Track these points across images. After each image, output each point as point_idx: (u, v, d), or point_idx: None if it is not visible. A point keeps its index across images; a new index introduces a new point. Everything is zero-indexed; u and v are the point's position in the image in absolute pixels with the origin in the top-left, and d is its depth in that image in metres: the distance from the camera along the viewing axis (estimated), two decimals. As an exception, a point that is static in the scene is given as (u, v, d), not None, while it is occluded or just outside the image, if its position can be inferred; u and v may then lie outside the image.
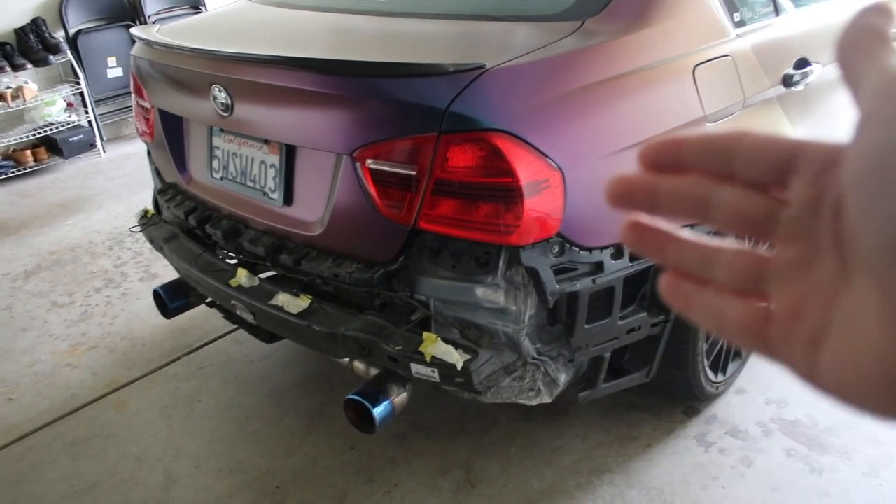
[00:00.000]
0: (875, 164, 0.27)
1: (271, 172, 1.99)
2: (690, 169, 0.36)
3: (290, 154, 1.94)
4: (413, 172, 1.64)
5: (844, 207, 0.30)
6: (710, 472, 2.20)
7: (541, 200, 1.60)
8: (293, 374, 2.75)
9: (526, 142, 1.58)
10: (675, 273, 0.38)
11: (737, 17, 2.14)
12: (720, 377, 2.42)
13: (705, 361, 2.29)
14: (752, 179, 0.34)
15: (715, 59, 1.99)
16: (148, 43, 2.24)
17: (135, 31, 2.31)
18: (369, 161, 1.70)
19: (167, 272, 3.52)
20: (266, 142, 1.98)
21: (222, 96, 1.95)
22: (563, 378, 1.88)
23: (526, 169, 1.58)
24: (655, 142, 0.37)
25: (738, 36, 2.10)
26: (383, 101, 1.68)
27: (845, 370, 0.30)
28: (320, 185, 1.87)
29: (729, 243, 0.36)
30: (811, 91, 2.39)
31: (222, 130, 2.12)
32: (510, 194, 1.58)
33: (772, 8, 2.34)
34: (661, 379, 2.20)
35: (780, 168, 0.33)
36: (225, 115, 1.97)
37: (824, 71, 2.44)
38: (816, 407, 2.41)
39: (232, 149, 2.11)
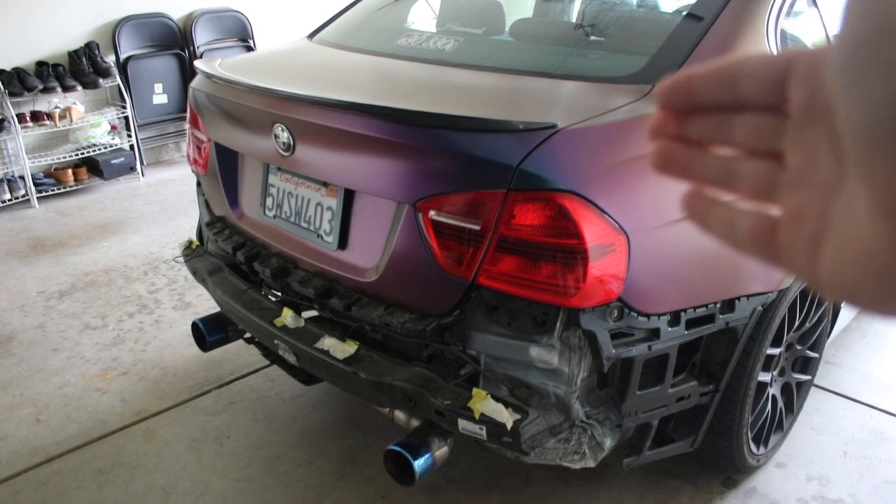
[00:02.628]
0: (852, 48, 0.27)
1: (328, 215, 1.99)
2: (704, 103, 0.38)
3: (348, 198, 1.93)
4: (477, 227, 1.63)
5: (833, 103, 0.29)
6: (750, 549, 2.13)
7: (605, 264, 1.59)
8: (325, 416, 2.72)
9: (594, 204, 1.57)
10: (696, 188, 0.40)
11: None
12: (762, 449, 2.36)
13: (749, 433, 2.24)
14: (759, 102, 0.35)
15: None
16: (209, 76, 2.26)
17: (198, 64, 2.33)
18: (432, 212, 1.69)
19: (201, 301, 3.53)
20: (325, 184, 1.98)
21: (284, 136, 1.95)
22: (608, 442, 1.83)
23: (593, 232, 1.56)
24: (668, 81, 0.39)
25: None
26: (451, 153, 1.68)
27: (842, 268, 0.30)
28: (378, 232, 1.86)
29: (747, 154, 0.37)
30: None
31: (279, 169, 2.12)
32: (575, 256, 1.56)
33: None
34: (704, 448, 2.16)
35: (781, 82, 0.34)
36: (285, 154, 1.98)
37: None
38: (860, 486, 2.34)
39: (288, 188, 2.11)
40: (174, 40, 5.67)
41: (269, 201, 2.19)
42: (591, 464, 1.83)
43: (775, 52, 0.35)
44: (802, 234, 0.33)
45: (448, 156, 1.69)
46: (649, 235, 1.67)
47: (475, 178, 1.64)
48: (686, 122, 0.39)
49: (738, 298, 1.88)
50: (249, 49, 5.89)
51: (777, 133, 0.35)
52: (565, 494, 2.32)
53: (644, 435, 1.94)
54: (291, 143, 1.95)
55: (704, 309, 1.82)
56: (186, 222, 4.62)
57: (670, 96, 0.39)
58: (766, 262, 0.36)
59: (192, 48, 5.71)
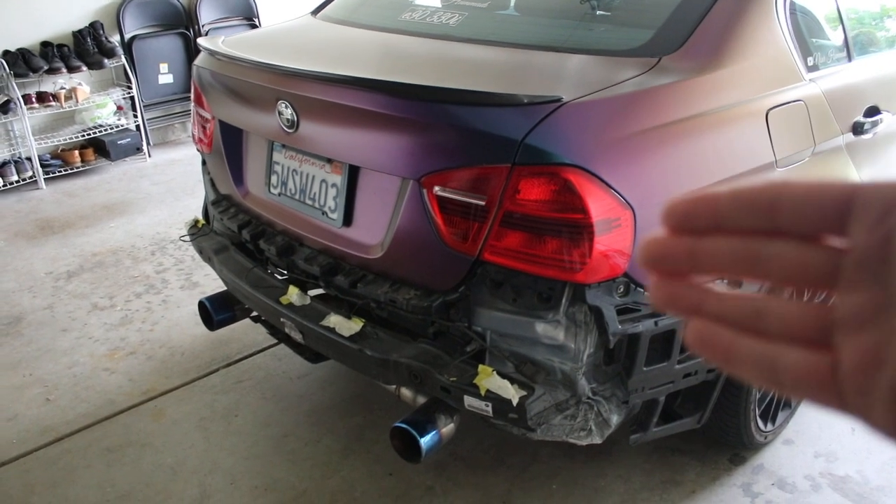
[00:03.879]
0: None
1: (332, 192, 1.97)
2: (730, 228, 0.34)
3: (353, 175, 1.92)
4: (482, 203, 1.62)
5: None
6: (757, 524, 2.13)
7: (611, 239, 1.57)
8: (332, 394, 2.73)
9: (599, 178, 1.55)
10: (709, 321, 0.35)
11: (810, 61, 2.10)
12: (769, 426, 2.35)
13: (757, 409, 2.23)
14: (800, 231, 0.33)
15: (788, 103, 1.95)
16: (213, 53, 2.24)
17: (202, 41, 2.31)
18: (437, 188, 1.68)
19: (208, 281, 3.53)
20: (329, 161, 1.97)
21: (288, 112, 1.94)
22: (615, 419, 1.83)
23: (598, 206, 1.54)
24: (684, 200, 0.34)
25: (811, 81, 2.06)
26: (456, 128, 1.66)
27: None
28: (382, 209, 1.85)
29: (776, 293, 0.34)
30: (879, 140, 2.34)
31: (284, 146, 2.11)
32: (581, 231, 1.55)
33: (845, 53, 2.30)
34: (711, 425, 2.15)
35: (834, 215, 0.32)
36: (289, 131, 1.97)
37: (893, 120, 2.39)
38: (867, 464, 2.33)
39: (292, 165, 2.10)
40: (179, 19, 5.63)
41: (273, 179, 2.18)
42: (597, 440, 1.82)
43: (822, 178, 0.32)
44: (881, 383, 0.30)
45: (452, 130, 1.67)
46: (655, 210, 1.65)
47: (480, 153, 1.62)
48: (701, 245, 0.35)
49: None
50: (254, 27, 5.85)
51: (825, 268, 0.32)
52: (572, 471, 2.32)
53: (651, 411, 1.93)
54: (295, 119, 1.94)
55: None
56: (193, 202, 4.61)
57: (686, 216, 0.35)
58: (824, 407, 0.33)
59: (197, 27, 5.67)
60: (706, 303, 0.35)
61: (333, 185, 1.97)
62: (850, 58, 2.31)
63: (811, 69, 2.09)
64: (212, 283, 3.49)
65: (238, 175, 2.33)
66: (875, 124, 2.28)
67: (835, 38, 2.32)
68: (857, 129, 2.22)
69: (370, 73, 1.88)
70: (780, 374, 0.33)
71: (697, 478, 2.30)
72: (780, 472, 2.32)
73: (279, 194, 2.16)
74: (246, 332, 3.06)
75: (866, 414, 0.31)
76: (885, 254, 0.30)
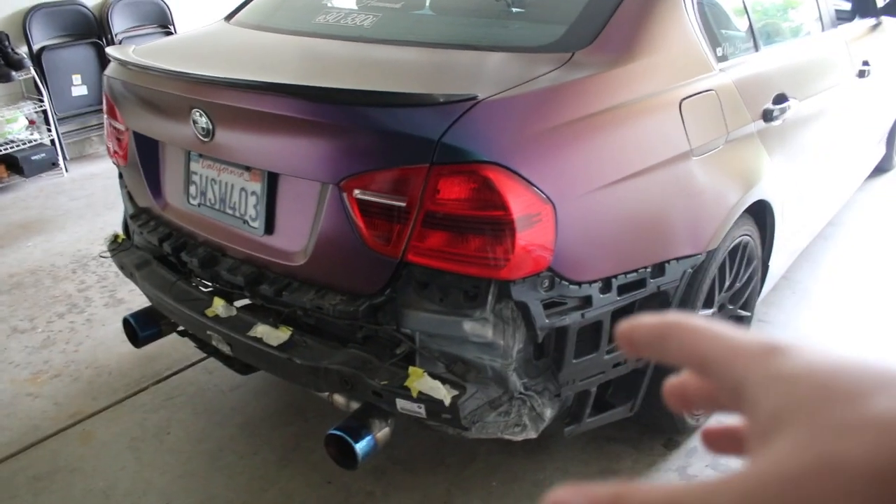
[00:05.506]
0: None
1: (252, 200, 1.94)
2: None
3: (272, 182, 1.89)
4: (402, 204, 1.61)
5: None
6: (692, 506, 2.18)
7: (532, 234, 1.58)
8: (266, 405, 2.68)
9: (518, 174, 1.56)
10: None
11: (719, 51, 2.16)
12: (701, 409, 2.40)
13: (686, 394, 2.28)
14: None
15: (700, 93, 2.00)
16: (123, 63, 2.18)
17: (110, 50, 2.24)
18: (357, 191, 1.66)
19: (133, 297, 3.43)
20: (248, 169, 1.93)
21: (203, 121, 1.90)
22: (548, 413, 1.84)
23: (518, 202, 1.55)
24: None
25: (720, 70, 2.12)
26: (372, 130, 1.65)
27: None
28: (304, 215, 1.82)
29: None
30: (789, 126, 2.42)
31: (201, 156, 2.06)
32: (502, 228, 1.55)
33: (751, 43, 2.37)
34: (644, 413, 2.19)
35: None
36: (205, 140, 1.92)
37: (800, 106, 2.47)
38: (794, 439, 2.40)
39: (211, 175, 2.05)
40: (90, 28, 5.45)
41: (192, 189, 2.13)
42: (532, 435, 1.83)
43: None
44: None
45: (369, 133, 1.66)
46: (576, 203, 1.67)
47: (398, 154, 1.61)
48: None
49: (668, 262, 1.90)
50: (170, 34, 5.70)
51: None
52: (511, 466, 2.33)
53: (583, 403, 1.95)
54: (210, 128, 1.90)
55: (635, 274, 1.84)
56: (114, 217, 4.47)
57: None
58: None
59: (109, 36, 5.50)
60: None
61: (253, 192, 1.94)
62: (756, 47, 2.38)
63: (720, 59, 2.14)
64: (137, 298, 3.39)
65: (156, 187, 2.26)
66: (783, 111, 2.35)
67: (742, 28, 2.39)
68: (767, 115, 2.29)
69: (285, 78, 1.85)
70: None
71: (634, 465, 2.34)
72: (714, 455, 2.37)
73: (199, 205, 2.11)
74: (175, 347, 2.98)
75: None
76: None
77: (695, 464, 2.33)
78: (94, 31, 5.46)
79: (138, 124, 2.23)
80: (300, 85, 1.73)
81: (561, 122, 1.66)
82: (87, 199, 4.88)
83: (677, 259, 1.92)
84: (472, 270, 1.61)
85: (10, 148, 5.01)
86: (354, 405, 1.96)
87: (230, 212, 2.01)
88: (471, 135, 1.55)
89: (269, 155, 1.84)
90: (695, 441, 2.42)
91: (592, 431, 2.38)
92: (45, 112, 5.20)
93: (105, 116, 2.44)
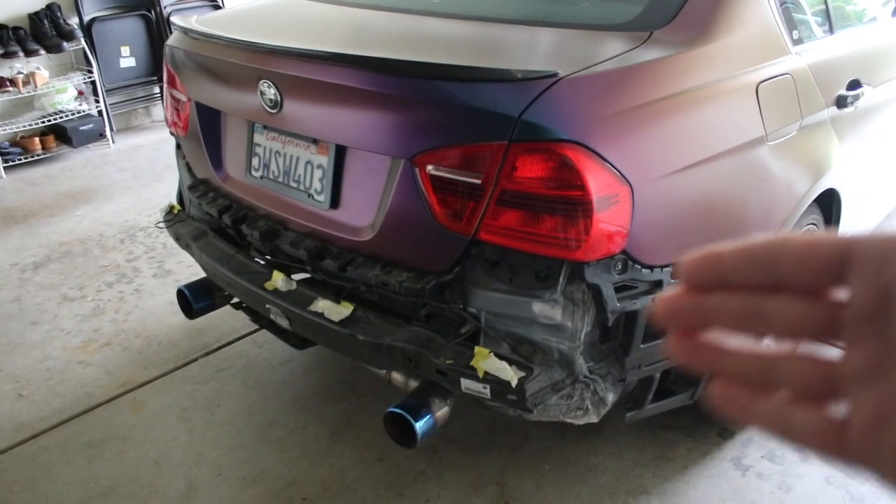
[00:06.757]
0: None
1: (318, 174, 1.92)
2: (734, 283, 0.36)
3: (340, 155, 1.87)
4: (478, 181, 1.58)
5: None
6: (749, 496, 2.15)
7: (610, 216, 1.55)
8: (316, 380, 2.68)
9: (598, 154, 1.52)
10: (727, 380, 0.37)
11: (795, 34, 2.09)
12: (757, 400, 2.36)
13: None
14: (801, 285, 0.34)
15: (777, 76, 1.95)
16: (187, 32, 2.16)
17: (175, 19, 2.24)
18: (430, 167, 1.63)
19: (181, 269, 3.45)
20: (315, 142, 1.91)
21: (271, 92, 1.88)
22: (611, 397, 1.81)
23: (597, 182, 1.52)
24: (692, 258, 0.36)
25: (796, 54, 2.06)
26: (448, 105, 1.62)
27: None
28: (372, 190, 1.80)
29: (789, 349, 0.35)
30: (860, 113, 2.35)
31: (265, 127, 2.05)
32: (580, 208, 1.52)
33: (827, 27, 2.30)
34: (704, 400, 2.15)
35: (833, 269, 0.33)
36: (272, 111, 1.90)
37: (873, 93, 2.40)
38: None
39: (275, 147, 2.04)
40: (139, 1, 5.47)
41: (255, 161, 2.11)
42: (594, 419, 1.81)
43: (821, 235, 0.33)
44: (889, 439, 0.31)
45: (445, 108, 1.63)
46: (652, 185, 1.63)
47: (474, 131, 1.58)
48: (709, 301, 0.36)
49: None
50: (218, 9, 5.71)
51: (826, 322, 0.33)
52: (564, 450, 2.31)
53: (646, 388, 1.92)
54: (279, 99, 1.88)
55: (707, 259, 1.79)
56: (161, 188, 4.50)
57: (695, 273, 0.37)
58: (837, 463, 0.34)
59: (158, 9, 5.52)
60: (722, 361, 0.37)
61: (319, 166, 1.92)
62: (832, 30, 2.31)
63: (796, 42, 2.08)
64: (185, 270, 3.41)
65: (216, 158, 2.26)
66: (857, 98, 2.28)
67: (817, 10, 2.32)
68: (841, 102, 2.22)
69: (357, 50, 1.82)
70: (793, 434, 0.35)
71: (688, 453, 2.30)
72: (769, 445, 2.33)
73: (261, 177, 2.10)
74: (223, 319, 2.99)
75: (878, 469, 0.32)
76: (884, 307, 0.31)
77: (750, 454, 2.29)
78: (144, 4, 5.49)
79: (201, 95, 2.22)
80: (377, 57, 1.70)
81: (640, 103, 1.62)
82: (134, 170, 4.92)
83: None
84: (545, 251, 1.58)
85: (59, 118, 5.06)
86: (413, 384, 1.95)
87: (294, 185, 2.00)
88: (551, 112, 1.52)
89: (338, 128, 1.81)
90: (750, 432, 2.38)
91: (647, 419, 2.35)
92: (93, 83, 5.23)
93: (165, 86, 2.44)
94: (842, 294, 0.33)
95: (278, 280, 2.02)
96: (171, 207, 2.55)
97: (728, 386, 0.37)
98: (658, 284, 1.71)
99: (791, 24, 2.08)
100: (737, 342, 0.36)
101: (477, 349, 1.69)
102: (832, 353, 0.34)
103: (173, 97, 2.37)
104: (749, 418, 0.37)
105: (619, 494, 2.14)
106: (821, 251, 0.33)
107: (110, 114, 5.40)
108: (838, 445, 0.33)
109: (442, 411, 1.86)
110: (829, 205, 2.34)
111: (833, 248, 0.33)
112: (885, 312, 0.31)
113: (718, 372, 0.37)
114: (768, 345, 0.36)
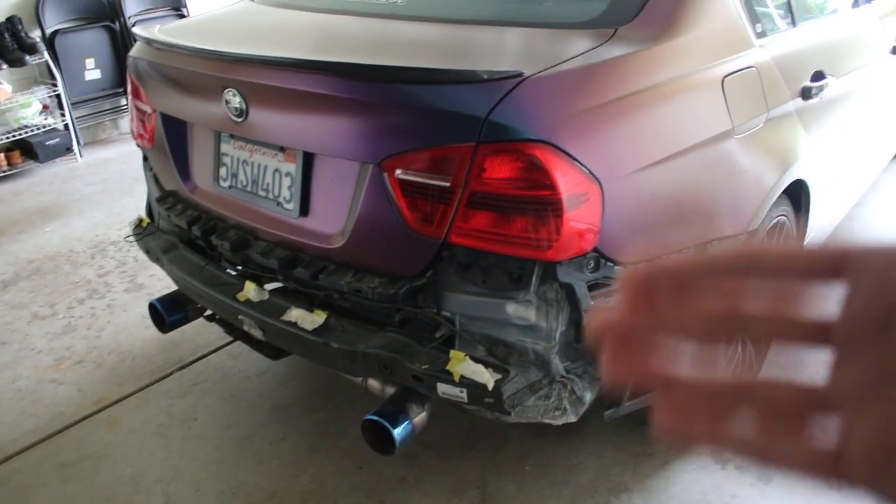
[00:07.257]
0: None
1: (286, 182, 1.90)
2: (697, 294, 0.33)
3: (308, 162, 1.85)
4: (447, 184, 1.57)
5: None
6: (729, 489, 2.15)
7: (580, 214, 1.54)
8: (293, 391, 2.65)
9: (566, 153, 1.52)
10: (681, 405, 0.34)
11: (759, 27, 2.11)
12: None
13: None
14: (780, 294, 0.32)
15: (742, 70, 1.96)
16: (150, 42, 2.14)
17: (137, 30, 2.20)
18: (398, 171, 1.62)
19: (153, 282, 3.41)
20: (282, 149, 1.89)
21: (236, 101, 1.86)
22: (588, 396, 1.81)
23: (566, 181, 1.51)
24: (639, 271, 0.33)
25: (760, 47, 2.07)
26: (415, 108, 1.61)
27: None
28: (341, 196, 1.78)
29: (750, 374, 0.32)
30: (825, 104, 2.37)
31: (232, 136, 2.02)
32: (550, 208, 1.51)
33: (790, 19, 2.32)
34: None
35: (821, 280, 0.31)
36: (238, 120, 1.88)
37: (837, 84, 2.43)
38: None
39: (242, 156, 2.01)
40: (102, 11, 5.40)
41: (223, 171, 2.09)
42: (572, 419, 1.80)
43: (794, 245, 0.32)
44: None
45: (412, 111, 1.62)
46: (622, 182, 1.63)
47: (442, 133, 1.57)
48: (667, 311, 0.33)
49: (711, 242, 1.86)
50: (182, 18, 5.66)
51: (812, 331, 0.31)
52: (544, 451, 2.30)
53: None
54: (244, 108, 1.86)
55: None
56: (131, 201, 4.44)
57: (647, 287, 0.33)
58: (835, 490, 0.31)
59: (122, 19, 5.45)
60: (676, 384, 0.34)
61: (288, 174, 1.90)
62: (794, 23, 2.33)
63: (760, 35, 2.09)
64: (157, 283, 3.37)
65: (184, 169, 2.23)
66: (821, 89, 2.31)
67: (779, 3, 2.34)
68: (806, 93, 2.24)
69: (321, 56, 1.80)
70: (781, 463, 0.32)
71: (669, 448, 2.30)
72: (747, 437, 2.34)
73: (229, 187, 2.08)
74: (197, 332, 2.95)
75: (884, 493, 0.30)
76: (885, 324, 0.29)
77: (730, 448, 2.30)
78: (107, 15, 5.42)
79: (166, 105, 2.19)
80: (342, 62, 1.68)
81: (607, 100, 1.62)
82: (103, 183, 4.85)
83: (720, 240, 1.88)
84: (517, 251, 1.58)
85: (25, 133, 4.98)
86: (389, 390, 1.93)
87: (263, 194, 1.98)
88: (518, 112, 1.51)
89: (305, 135, 1.80)
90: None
91: (626, 415, 2.36)
92: (58, 97, 5.16)
93: (130, 98, 2.40)
94: (827, 306, 0.31)
95: (250, 290, 2.00)
96: (140, 221, 2.51)
97: (682, 411, 0.34)
98: (631, 281, 1.71)
99: (754, 18, 2.09)
100: (688, 364, 0.34)
101: (452, 353, 1.68)
102: (805, 369, 0.32)
103: (138, 109, 2.33)
104: (719, 444, 0.34)
105: (600, 493, 2.14)
106: (806, 262, 0.31)
107: (77, 127, 5.32)
108: (829, 468, 0.31)
109: (420, 417, 1.85)
110: (797, 195, 2.36)
111: (824, 260, 0.31)
112: (886, 329, 0.29)
113: (668, 396, 0.34)
114: (722, 367, 0.33)
